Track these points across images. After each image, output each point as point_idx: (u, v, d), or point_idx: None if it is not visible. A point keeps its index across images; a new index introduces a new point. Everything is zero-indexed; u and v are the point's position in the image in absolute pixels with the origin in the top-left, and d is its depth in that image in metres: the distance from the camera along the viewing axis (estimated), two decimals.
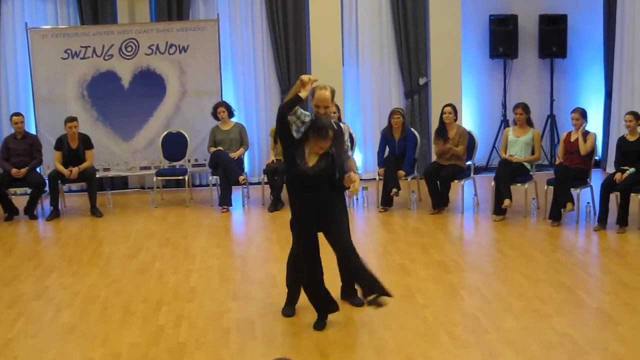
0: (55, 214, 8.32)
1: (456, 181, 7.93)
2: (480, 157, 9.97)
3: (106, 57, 9.20)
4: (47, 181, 8.47)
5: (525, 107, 7.79)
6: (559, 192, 7.20)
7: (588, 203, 7.40)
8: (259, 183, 9.37)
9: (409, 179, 8.21)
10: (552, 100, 10.44)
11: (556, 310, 4.88)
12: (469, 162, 8.15)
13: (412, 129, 8.55)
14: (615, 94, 9.93)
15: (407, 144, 8.24)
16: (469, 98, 10.39)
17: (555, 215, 7.24)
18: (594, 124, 9.66)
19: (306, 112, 4.81)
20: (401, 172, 8.09)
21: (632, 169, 6.94)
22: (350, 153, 4.80)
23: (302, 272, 4.71)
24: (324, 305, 4.71)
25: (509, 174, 7.56)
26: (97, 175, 8.83)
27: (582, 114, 7.38)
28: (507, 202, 7.40)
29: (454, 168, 7.91)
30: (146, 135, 9.36)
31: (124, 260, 6.50)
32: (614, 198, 7.05)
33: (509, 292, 5.27)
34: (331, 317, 4.75)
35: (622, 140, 7.22)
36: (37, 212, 8.46)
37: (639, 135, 7.09)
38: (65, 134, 8.48)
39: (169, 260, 6.45)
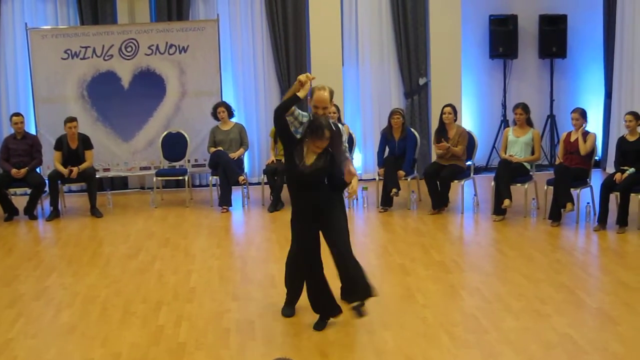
0: (55, 214, 8.32)
1: (456, 181, 7.93)
2: (480, 157, 9.97)
3: (106, 58, 9.20)
4: (47, 181, 8.47)
5: (525, 107, 7.79)
6: (558, 192, 7.20)
7: (588, 203, 7.40)
8: (258, 183, 9.37)
9: (408, 179, 8.21)
10: (552, 101, 10.44)
11: (556, 311, 4.88)
12: (468, 162, 8.15)
13: (412, 129, 8.55)
14: (615, 94, 9.93)
15: (407, 144, 8.24)
16: (468, 98, 10.40)
17: (555, 216, 7.24)
18: (594, 124, 9.66)
19: (304, 113, 4.82)
20: (401, 172, 8.09)
21: (632, 169, 6.94)
22: (348, 154, 4.80)
23: (304, 271, 4.73)
24: (325, 306, 4.71)
25: (508, 174, 7.56)
26: (97, 176, 8.83)
27: (582, 114, 7.38)
28: (507, 202, 7.40)
29: (454, 168, 7.91)
30: (146, 135, 9.36)
31: (123, 261, 6.50)
32: (613, 198, 7.05)
33: (508, 292, 5.27)
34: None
35: (622, 141, 7.23)
36: (37, 213, 8.46)
37: (639, 135, 7.09)
38: (65, 134, 8.48)
39: (169, 261, 6.45)
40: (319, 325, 4.68)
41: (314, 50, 9.79)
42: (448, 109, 8.00)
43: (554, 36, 10.23)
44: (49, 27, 9.49)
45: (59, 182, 8.45)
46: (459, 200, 8.02)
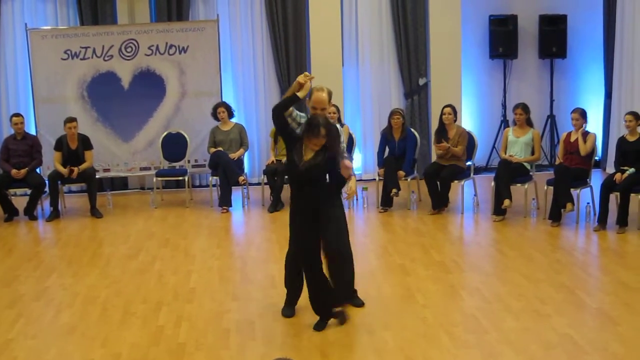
0: (55, 215, 8.32)
1: (456, 181, 7.93)
2: (480, 157, 9.97)
3: (106, 58, 9.20)
4: (47, 182, 8.47)
5: (525, 108, 7.79)
6: (558, 192, 7.20)
7: (588, 203, 7.40)
8: (258, 184, 9.37)
9: (408, 180, 8.21)
10: (552, 101, 10.44)
11: (556, 311, 4.88)
12: (468, 163, 8.15)
13: (412, 130, 8.55)
14: (615, 94, 9.93)
15: (407, 145, 8.24)
16: (468, 98, 10.39)
17: (555, 216, 7.24)
18: (594, 124, 9.66)
19: (302, 114, 4.87)
20: (401, 173, 8.09)
21: (632, 169, 6.94)
22: (346, 154, 4.82)
23: (304, 271, 4.74)
24: (325, 306, 4.71)
25: (508, 174, 7.56)
26: (97, 176, 8.83)
27: (582, 114, 7.38)
28: (507, 202, 7.40)
29: (454, 168, 7.91)
30: (146, 135, 9.36)
31: (124, 261, 6.50)
32: (613, 198, 7.05)
33: (508, 293, 5.27)
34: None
35: (622, 141, 7.22)
36: (37, 213, 8.46)
37: (639, 135, 7.09)
38: (65, 135, 8.48)
39: (169, 261, 6.45)
40: (319, 326, 4.67)
41: (314, 50, 9.79)
42: (448, 109, 8.00)
43: (554, 36, 10.23)
44: (49, 27, 9.49)
45: (59, 182, 8.45)
46: (459, 201, 8.02)
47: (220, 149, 8.67)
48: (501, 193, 7.46)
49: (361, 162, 10.16)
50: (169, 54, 9.24)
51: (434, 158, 8.58)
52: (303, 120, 4.77)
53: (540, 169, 9.06)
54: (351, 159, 8.27)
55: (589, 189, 7.47)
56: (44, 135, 9.05)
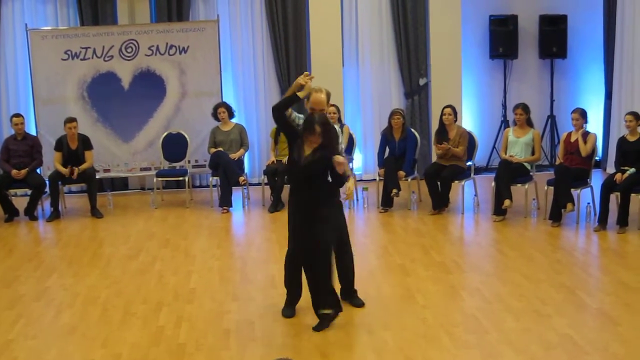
0: (55, 215, 8.32)
1: (456, 182, 7.93)
2: (480, 157, 9.96)
3: (106, 58, 9.20)
4: (47, 182, 8.47)
5: (525, 108, 7.79)
6: (559, 192, 7.19)
7: (588, 203, 7.40)
8: (259, 184, 9.37)
9: (409, 180, 8.20)
10: (552, 101, 10.43)
11: (556, 311, 4.88)
12: (469, 163, 8.15)
13: (412, 130, 8.55)
14: (616, 94, 9.93)
15: (407, 145, 8.24)
16: (469, 98, 10.39)
17: (556, 216, 7.23)
18: (594, 125, 9.65)
19: (300, 115, 4.90)
20: (401, 173, 8.09)
21: (632, 170, 6.94)
22: (344, 155, 4.84)
23: (305, 271, 4.74)
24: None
25: (509, 175, 7.56)
26: (97, 176, 8.83)
27: (582, 115, 7.38)
28: (507, 202, 7.40)
29: (455, 168, 7.90)
30: (146, 136, 9.35)
31: (124, 261, 6.50)
32: (614, 198, 7.05)
33: (509, 293, 5.27)
34: None
35: (622, 141, 7.22)
36: (38, 213, 8.46)
37: (639, 135, 7.09)
38: (65, 135, 8.48)
39: (169, 261, 6.45)
40: (320, 326, 4.68)
41: (314, 50, 9.79)
42: (448, 110, 8.00)
43: (554, 36, 10.22)
44: (49, 27, 9.49)
45: (60, 183, 8.45)
46: (460, 201, 8.02)
47: (220, 149, 8.67)
48: (501, 193, 7.46)
49: (361, 162, 10.16)
50: (169, 54, 9.24)
51: (434, 158, 8.58)
52: (301, 122, 4.81)
53: (541, 169, 9.06)
54: (351, 159, 8.35)
55: (589, 189, 7.47)
56: (44, 136, 9.05)
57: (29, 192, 8.51)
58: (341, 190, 4.73)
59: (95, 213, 8.40)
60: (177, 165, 9.30)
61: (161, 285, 5.76)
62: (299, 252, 4.72)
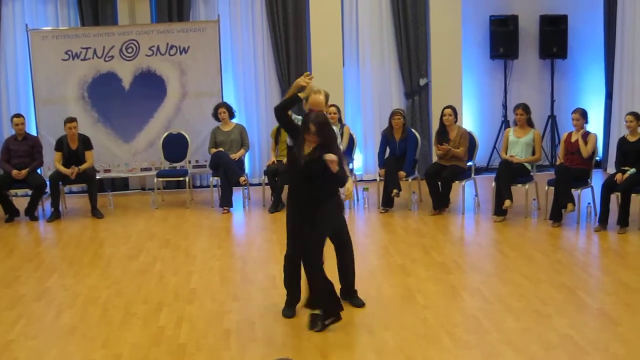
0: (56, 216, 8.32)
1: (457, 182, 7.93)
2: (480, 157, 9.95)
3: (107, 59, 9.20)
4: (48, 182, 8.47)
5: (525, 108, 7.79)
6: (559, 192, 7.19)
7: (589, 203, 7.40)
8: (259, 184, 9.37)
9: (409, 180, 8.20)
10: (552, 101, 10.43)
11: (557, 311, 4.88)
12: (469, 163, 8.15)
13: (413, 130, 8.55)
14: (616, 95, 9.93)
15: (408, 145, 8.24)
16: (469, 99, 10.39)
17: (556, 216, 7.23)
18: (595, 125, 9.66)
19: (299, 117, 4.91)
20: (402, 173, 8.09)
21: (632, 170, 6.94)
22: (343, 155, 4.86)
23: (305, 271, 4.75)
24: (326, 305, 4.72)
25: (509, 175, 7.56)
26: (97, 177, 8.84)
27: (583, 115, 7.38)
28: (507, 202, 7.40)
29: (455, 169, 7.90)
30: (147, 136, 9.36)
31: (124, 262, 6.51)
32: (614, 199, 7.05)
33: (509, 293, 5.27)
34: None
35: (622, 141, 7.22)
36: (38, 214, 8.46)
37: None
38: (65, 135, 8.49)
39: (170, 262, 6.46)
40: (312, 325, 4.68)
41: (314, 50, 9.79)
42: (448, 110, 8.00)
43: (554, 36, 10.22)
44: (49, 28, 9.49)
45: (60, 183, 8.46)
46: (460, 201, 8.02)
47: (221, 149, 8.67)
48: (502, 193, 7.46)
49: (362, 162, 10.15)
50: (170, 55, 9.24)
51: (434, 158, 8.58)
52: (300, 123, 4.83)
53: (541, 169, 9.06)
54: (351, 160, 8.35)
55: (589, 189, 7.47)
56: (44, 136, 9.05)
57: (29, 192, 8.51)
58: (341, 190, 4.74)
59: (96, 213, 8.41)
60: (178, 165, 9.30)
61: (162, 285, 5.77)
62: (299, 252, 4.72)
